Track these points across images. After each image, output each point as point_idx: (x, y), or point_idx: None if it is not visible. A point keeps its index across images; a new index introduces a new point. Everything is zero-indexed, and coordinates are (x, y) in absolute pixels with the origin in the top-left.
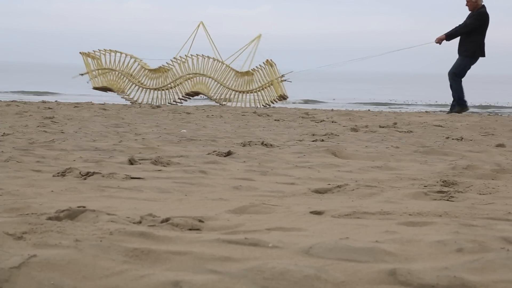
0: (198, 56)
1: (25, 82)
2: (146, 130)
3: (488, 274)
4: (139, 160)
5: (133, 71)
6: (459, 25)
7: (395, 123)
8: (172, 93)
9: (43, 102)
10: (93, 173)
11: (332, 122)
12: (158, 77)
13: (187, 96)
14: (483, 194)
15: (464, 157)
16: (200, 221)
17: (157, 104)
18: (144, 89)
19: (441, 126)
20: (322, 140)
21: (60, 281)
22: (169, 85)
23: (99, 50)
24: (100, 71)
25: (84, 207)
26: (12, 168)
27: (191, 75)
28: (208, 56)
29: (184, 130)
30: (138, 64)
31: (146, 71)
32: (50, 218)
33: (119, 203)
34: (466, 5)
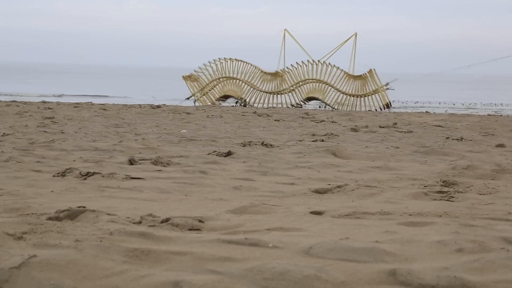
0: (309, 63)
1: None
2: (146, 130)
3: (488, 274)
4: (139, 160)
5: (248, 76)
6: None
7: (395, 123)
8: (290, 96)
9: (43, 102)
10: (93, 173)
11: (332, 122)
12: (272, 81)
13: (305, 101)
14: (483, 194)
15: (464, 157)
16: (200, 221)
17: (245, 104)
18: (260, 92)
19: (441, 126)
20: (322, 140)
21: (60, 281)
22: (286, 90)
23: (201, 69)
24: (205, 88)
25: (84, 207)
26: (12, 168)
27: (309, 81)
28: (324, 62)
29: (184, 130)
30: (256, 68)
31: (262, 74)
32: (50, 218)
33: (119, 203)
34: None
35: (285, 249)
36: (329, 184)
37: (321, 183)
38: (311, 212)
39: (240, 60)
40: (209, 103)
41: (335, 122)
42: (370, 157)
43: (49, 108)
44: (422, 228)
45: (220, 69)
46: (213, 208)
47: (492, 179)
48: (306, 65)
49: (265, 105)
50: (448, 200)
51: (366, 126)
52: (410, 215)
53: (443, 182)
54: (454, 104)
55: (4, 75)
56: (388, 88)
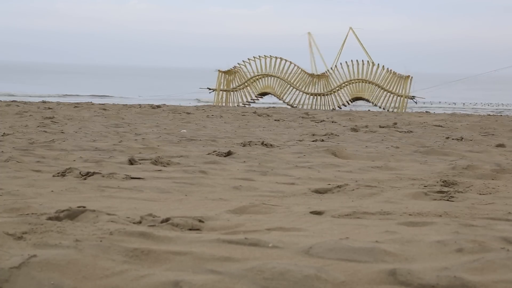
0: (358, 63)
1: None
2: (146, 130)
3: (488, 274)
4: (139, 160)
5: (291, 76)
6: None
7: (395, 123)
8: (336, 97)
9: (43, 102)
10: (93, 173)
11: (332, 122)
12: (316, 82)
13: (351, 101)
14: (483, 194)
15: (464, 157)
16: (200, 221)
17: (292, 104)
18: (302, 93)
19: (441, 126)
20: (322, 140)
21: (60, 281)
22: (333, 90)
23: (240, 64)
24: (243, 84)
25: (84, 207)
26: (12, 168)
27: (354, 81)
28: (371, 62)
29: (184, 130)
30: (298, 68)
31: (304, 75)
32: (50, 218)
33: (119, 203)
34: None
35: (285, 249)
36: (329, 184)
37: (321, 183)
38: (311, 212)
39: (283, 59)
40: (240, 104)
41: (335, 122)
42: (370, 157)
43: (49, 108)
44: (422, 228)
45: (260, 66)
46: (213, 208)
47: (492, 179)
48: (351, 66)
49: (308, 107)
50: (448, 200)
51: (366, 126)
52: (410, 215)
53: (443, 182)
54: (455, 104)
55: (4, 75)
56: (411, 97)
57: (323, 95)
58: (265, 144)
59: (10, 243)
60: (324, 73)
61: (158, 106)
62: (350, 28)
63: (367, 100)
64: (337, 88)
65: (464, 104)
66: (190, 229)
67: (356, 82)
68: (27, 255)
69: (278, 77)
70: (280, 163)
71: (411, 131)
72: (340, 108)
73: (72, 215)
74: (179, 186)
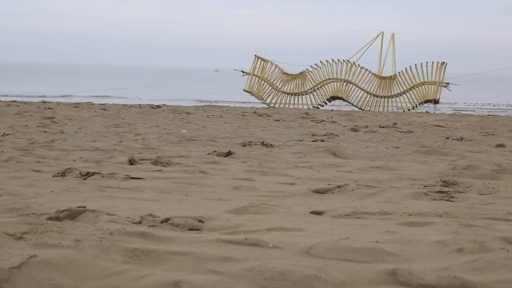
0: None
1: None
2: (146, 130)
3: (488, 274)
4: (139, 160)
5: (359, 79)
6: None
7: (395, 123)
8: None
9: (43, 102)
10: (93, 173)
11: (332, 122)
12: (384, 85)
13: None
14: (483, 194)
15: (464, 157)
16: (200, 221)
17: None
18: (372, 96)
19: (441, 126)
20: (322, 140)
21: (60, 281)
22: (403, 92)
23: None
24: (259, 78)
25: (84, 207)
26: (12, 168)
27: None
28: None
29: (184, 130)
30: (366, 71)
31: (374, 77)
32: (50, 218)
33: (119, 203)
34: None
35: (285, 249)
36: (329, 184)
37: (321, 183)
38: (311, 212)
39: (350, 62)
40: (311, 106)
41: (335, 122)
42: (370, 157)
43: (49, 108)
44: (422, 228)
45: (329, 70)
46: (213, 208)
47: (492, 179)
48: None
49: (380, 109)
50: (448, 200)
51: (366, 126)
52: (410, 215)
53: (443, 182)
54: (456, 103)
55: (4, 75)
56: (446, 86)
57: (392, 97)
58: (265, 144)
59: (10, 243)
60: (392, 75)
61: (158, 106)
62: (382, 32)
63: (431, 101)
64: (406, 90)
65: (465, 103)
66: (190, 229)
67: (424, 85)
68: (27, 255)
69: (348, 81)
70: (280, 163)
71: (411, 131)
72: (409, 110)
73: (72, 215)
74: (179, 186)
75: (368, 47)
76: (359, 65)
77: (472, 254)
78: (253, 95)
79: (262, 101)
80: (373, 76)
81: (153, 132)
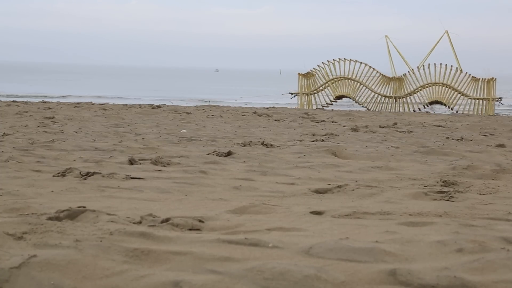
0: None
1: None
2: (146, 130)
3: (488, 274)
4: (139, 160)
5: (366, 78)
6: None
7: (395, 123)
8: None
9: (43, 102)
10: (93, 173)
11: (332, 122)
12: (392, 85)
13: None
14: (483, 194)
15: (464, 157)
16: (200, 221)
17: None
18: (378, 96)
19: (441, 126)
20: (322, 140)
21: (60, 281)
22: (412, 93)
23: (319, 66)
24: (319, 88)
25: (84, 207)
26: (12, 168)
27: (434, 84)
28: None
29: (184, 130)
30: (374, 71)
31: (381, 77)
32: (50, 218)
33: (119, 203)
34: None
35: (285, 249)
36: (329, 184)
37: (321, 183)
38: (311, 212)
39: (360, 62)
40: (317, 106)
41: (335, 122)
42: (370, 157)
43: (49, 108)
44: (422, 228)
45: (336, 69)
46: (213, 208)
47: (492, 179)
48: (434, 69)
49: (388, 110)
50: (448, 200)
51: (366, 126)
52: (410, 215)
53: (443, 182)
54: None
55: (4, 75)
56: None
57: (401, 97)
58: (265, 144)
59: (10, 243)
60: (402, 75)
61: (158, 106)
62: (446, 31)
63: (444, 104)
64: (416, 91)
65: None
66: (190, 229)
67: (435, 86)
68: (27, 255)
69: (356, 80)
70: (280, 163)
71: (411, 131)
72: (415, 111)
73: (72, 215)
74: (179, 186)
75: (434, 47)
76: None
77: (472, 254)
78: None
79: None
80: (381, 76)
81: (153, 132)
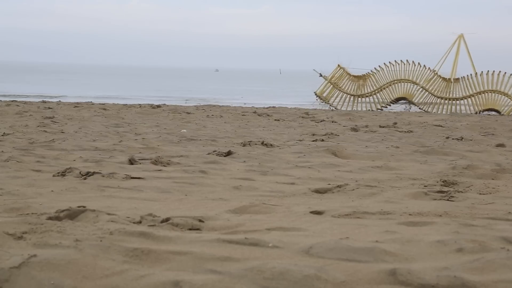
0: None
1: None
2: (146, 130)
3: (488, 274)
4: (139, 160)
5: (423, 80)
6: None
7: (395, 123)
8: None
9: (43, 102)
10: (93, 173)
11: (332, 122)
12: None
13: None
14: (483, 194)
15: (464, 157)
16: (200, 221)
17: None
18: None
19: (441, 126)
20: (322, 140)
21: (60, 281)
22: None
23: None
24: (334, 83)
25: (84, 207)
26: (12, 168)
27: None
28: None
29: (184, 130)
30: (431, 72)
31: (437, 78)
32: (50, 218)
33: (119, 203)
34: None
35: (285, 249)
36: (329, 184)
37: (321, 183)
38: (311, 212)
39: (415, 63)
40: (377, 108)
41: (335, 122)
42: (370, 156)
43: (49, 108)
44: (422, 228)
45: (393, 71)
46: (213, 208)
47: (492, 179)
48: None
49: (444, 112)
50: (448, 200)
51: (366, 126)
52: (410, 214)
53: (443, 181)
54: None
55: (4, 75)
56: None
57: (458, 99)
58: (265, 144)
59: (10, 243)
60: (459, 78)
61: (158, 106)
62: (461, 35)
63: (498, 111)
64: (473, 94)
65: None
66: (190, 229)
67: (492, 93)
68: (27, 255)
69: (414, 82)
70: (280, 163)
71: (411, 131)
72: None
73: (72, 215)
74: (179, 186)
75: (449, 51)
76: (424, 65)
77: (472, 254)
78: (321, 99)
79: (329, 105)
80: (439, 78)
81: (153, 132)
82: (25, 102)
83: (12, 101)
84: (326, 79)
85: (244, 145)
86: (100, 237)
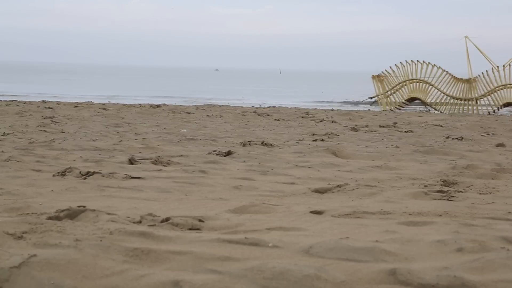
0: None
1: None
2: (146, 130)
3: (488, 274)
4: (139, 159)
5: (437, 80)
6: None
7: (395, 123)
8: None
9: (43, 101)
10: (93, 172)
11: (332, 121)
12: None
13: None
14: (483, 193)
15: (464, 156)
16: (200, 220)
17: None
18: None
19: (441, 126)
20: (322, 140)
21: (60, 281)
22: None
23: (392, 69)
24: (388, 92)
25: (84, 206)
26: (12, 167)
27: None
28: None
29: (184, 130)
30: (445, 73)
31: (452, 79)
32: (50, 218)
33: (119, 203)
34: None
35: (285, 248)
36: (329, 184)
37: (321, 183)
38: (311, 212)
39: (431, 64)
40: (391, 108)
41: (335, 122)
42: (370, 156)
43: (49, 108)
44: (422, 228)
45: (407, 71)
46: (213, 208)
47: (492, 179)
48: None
49: (455, 112)
50: (448, 200)
51: (366, 126)
52: (410, 214)
53: (443, 181)
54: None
55: (4, 75)
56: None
57: (473, 99)
58: (265, 144)
59: (10, 243)
60: (472, 78)
61: (158, 106)
62: (466, 37)
63: None
64: (489, 93)
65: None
66: (190, 229)
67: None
68: (27, 255)
69: (427, 82)
70: (280, 162)
71: (411, 131)
72: (490, 113)
73: (72, 214)
74: (179, 185)
75: (468, 55)
76: (438, 66)
77: (472, 253)
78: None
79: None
80: (452, 78)
81: (153, 132)
82: (25, 102)
83: (12, 101)
84: (377, 96)
85: (244, 145)
86: (100, 237)
